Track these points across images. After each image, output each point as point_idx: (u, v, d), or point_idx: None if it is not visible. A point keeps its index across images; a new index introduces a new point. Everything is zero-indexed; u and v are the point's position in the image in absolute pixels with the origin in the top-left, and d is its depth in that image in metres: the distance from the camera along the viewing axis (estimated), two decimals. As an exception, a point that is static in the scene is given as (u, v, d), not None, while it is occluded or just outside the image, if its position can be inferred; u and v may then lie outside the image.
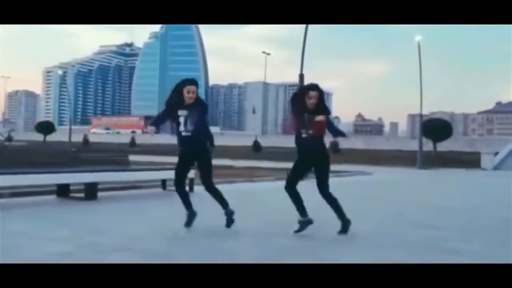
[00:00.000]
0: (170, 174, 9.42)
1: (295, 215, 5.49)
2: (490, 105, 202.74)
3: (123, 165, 8.93)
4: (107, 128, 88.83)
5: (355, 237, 5.36)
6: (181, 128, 5.40)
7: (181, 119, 5.39)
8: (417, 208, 8.56)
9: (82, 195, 7.90)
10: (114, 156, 9.03)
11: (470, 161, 27.68)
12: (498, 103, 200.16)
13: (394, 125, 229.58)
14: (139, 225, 5.81)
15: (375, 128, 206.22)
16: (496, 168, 26.13)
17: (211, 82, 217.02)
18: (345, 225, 5.43)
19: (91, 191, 7.85)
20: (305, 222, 5.40)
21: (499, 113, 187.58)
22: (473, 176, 20.33)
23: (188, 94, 5.36)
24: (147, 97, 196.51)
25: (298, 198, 5.47)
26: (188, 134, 5.39)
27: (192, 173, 9.38)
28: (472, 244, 5.23)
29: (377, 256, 4.46)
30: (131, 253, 4.35)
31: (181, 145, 5.51)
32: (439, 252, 4.76)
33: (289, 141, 23.41)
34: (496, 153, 28.09)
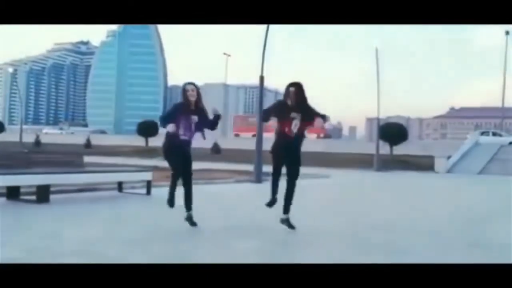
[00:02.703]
0: (126, 177, 9.27)
1: (255, 218, 5.44)
2: (444, 111, 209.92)
3: (77, 167, 8.62)
4: (61, 128, 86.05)
5: (311, 238, 5.37)
6: (181, 132, 5.61)
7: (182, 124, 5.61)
8: (371, 210, 8.69)
9: (33, 197, 7.57)
10: (68, 158, 8.69)
11: (424, 164, 28.47)
12: (452, 109, 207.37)
13: (352, 129, 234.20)
14: (93, 229, 5.61)
15: (334, 132, 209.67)
16: (449, 171, 27.00)
17: (170, 82, 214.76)
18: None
19: (43, 194, 7.52)
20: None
21: (452, 118, 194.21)
22: (426, 178, 20.91)
23: (188, 92, 5.68)
24: (103, 97, 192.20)
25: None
26: (186, 138, 5.68)
27: (149, 176, 9.20)
28: (418, 245, 5.32)
29: (329, 256, 4.46)
30: (84, 257, 4.16)
31: (176, 147, 5.66)
32: (392, 253, 4.81)
33: (250, 143, 23.12)
34: (449, 157, 29.03)
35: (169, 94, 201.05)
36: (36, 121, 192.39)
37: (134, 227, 5.77)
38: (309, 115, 5.68)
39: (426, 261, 4.22)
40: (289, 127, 5.61)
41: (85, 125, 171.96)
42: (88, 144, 44.00)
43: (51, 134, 61.94)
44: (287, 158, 5.73)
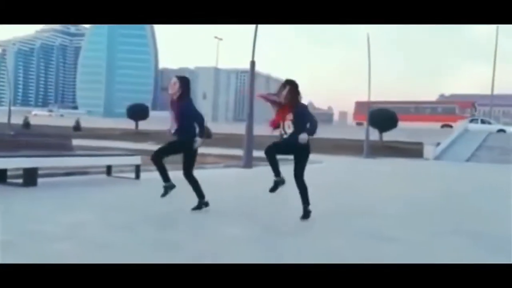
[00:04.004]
0: (115, 161, 9.22)
1: (250, 203, 5.45)
2: (434, 97, 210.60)
3: (66, 150, 8.55)
4: (50, 110, 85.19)
5: (299, 225, 5.40)
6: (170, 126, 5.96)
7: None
8: (362, 196, 8.75)
9: (20, 181, 7.51)
10: (56, 140, 8.61)
11: (413, 150, 28.65)
12: (441, 96, 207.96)
13: (343, 114, 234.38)
14: (81, 213, 5.58)
15: (325, 117, 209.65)
16: (437, 158, 27.20)
17: (161, 65, 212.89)
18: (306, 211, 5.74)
19: (30, 177, 7.46)
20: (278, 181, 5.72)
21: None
22: (415, 165, 21.07)
23: (170, 87, 5.90)
24: (93, 79, 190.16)
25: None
26: (173, 132, 5.94)
27: (138, 160, 9.17)
28: (407, 232, 5.37)
29: (318, 244, 4.49)
30: (72, 242, 4.15)
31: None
32: (379, 239, 4.85)
33: (240, 128, 23.28)
34: (438, 144, 29.24)
35: (160, 77, 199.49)
36: (25, 102, 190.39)
37: (120, 212, 5.76)
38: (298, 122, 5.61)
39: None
40: (283, 128, 5.66)
41: (75, 107, 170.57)
42: (77, 127, 43.67)
43: (40, 116, 61.28)
44: (292, 154, 5.76)
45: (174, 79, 5.94)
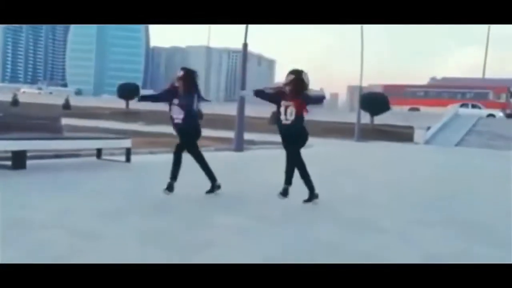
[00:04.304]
0: (105, 144, 9.14)
1: (241, 189, 5.42)
2: (425, 80, 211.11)
3: (55, 132, 8.44)
4: (39, 88, 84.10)
5: (289, 212, 5.41)
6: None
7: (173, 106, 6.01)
8: (353, 183, 8.79)
9: (9, 163, 7.43)
10: (46, 122, 8.49)
11: (404, 134, 28.79)
12: (433, 78, 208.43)
13: (334, 96, 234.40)
14: (70, 199, 5.54)
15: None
16: (427, 142, 27.36)
17: (152, 43, 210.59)
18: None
19: (19, 160, 7.39)
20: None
21: (433, 88, 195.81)
22: (405, 150, 21.19)
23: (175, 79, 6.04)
24: (83, 57, 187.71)
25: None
26: (179, 121, 6.01)
27: (129, 143, 9.10)
28: (397, 222, 5.40)
29: (308, 232, 4.50)
30: (59, 231, 4.12)
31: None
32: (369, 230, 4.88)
33: (231, 109, 23.17)
34: (428, 128, 29.38)
35: (151, 56, 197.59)
36: (14, 79, 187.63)
37: (110, 199, 5.72)
38: (306, 102, 5.92)
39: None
40: (285, 114, 5.85)
41: (64, 85, 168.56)
42: (66, 105, 43.18)
43: (29, 94, 60.54)
44: (286, 141, 6.06)
45: (181, 72, 6.08)
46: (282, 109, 5.85)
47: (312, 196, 5.98)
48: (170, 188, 5.97)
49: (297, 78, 5.82)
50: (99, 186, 6.61)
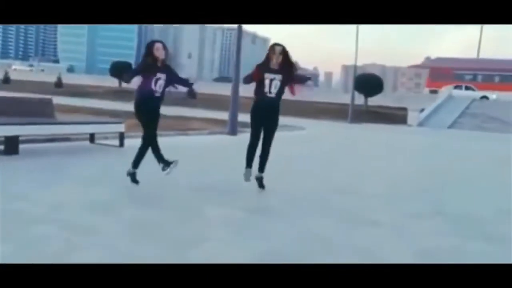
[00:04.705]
0: (98, 128, 9.08)
1: (235, 178, 5.41)
2: (419, 60, 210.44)
3: (48, 116, 8.36)
4: (31, 65, 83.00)
5: (283, 204, 5.43)
6: (154, 88, 5.72)
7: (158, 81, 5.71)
8: (345, 171, 8.81)
9: (1, 147, 7.38)
10: (38, 106, 8.39)
11: (398, 116, 28.89)
12: (427, 58, 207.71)
13: (328, 75, 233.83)
14: (63, 189, 5.50)
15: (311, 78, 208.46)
16: (420, 124, 27.46)
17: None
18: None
19: (11, 145, 7.34)
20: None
21: (427, 68, 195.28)
22: (399, 132, 21.26)
23: (158, 51, 5.67)
24: (74, 32, 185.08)
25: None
26: (158, 95, 5.75)
27: (122, 127, 9.05)
28: (390, 215, 5.44)
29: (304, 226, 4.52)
30: (54, 226, 4.10)
31: (150, 103, 5.76)
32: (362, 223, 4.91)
33: (225, 89, 23.03)
34: (422, 110, 29.45)
35: (144, 32, 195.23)
36: (4, 55, 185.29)
37: (104, 189, 5.68)
38: (291, 78, 5.79)
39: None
40: (269, 87, 5.69)
41: (56, 61, 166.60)
42: (59, 83, 42.78)
43: (20, 71, 59.80)
44: (266, 120, 5.85)
45: (159, 44, 5.80)
46: (266, 82, 5.68)
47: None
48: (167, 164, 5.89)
49: (285, 51, 5.69)
50: (92, 174, 6.55)
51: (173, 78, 5.92)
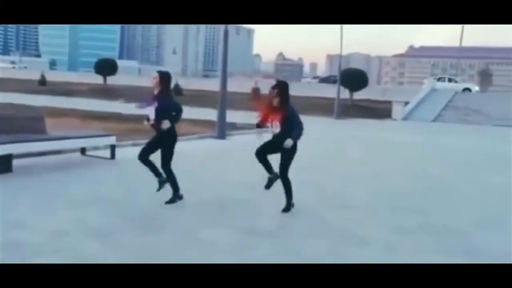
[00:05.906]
0: (90, 142, 9.18)
1: (226, 192, 5.52)
2: (403, 49, 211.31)
3: (39, 132, 8.44)
4: (12, 62, 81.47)
5: (274, 221, 5.62)
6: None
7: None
8: (332, 179, 9.00)
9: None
10: (29, 123, 8.46)
11: (383, 110, 29.18)
12: (411, 47, 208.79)
13: (313, 66, 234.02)
14: (60, 213, 5.60)
15: (296, 68, 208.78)
16: (405, 118, 27.83)
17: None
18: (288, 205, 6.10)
19: (5, 164, 7.42)
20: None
21: (411, 57, 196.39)
22: (384, 128, 21.54)
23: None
24: (57, 26, 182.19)
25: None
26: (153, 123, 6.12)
27: (113, 140, 9.16)
28: (379, 231, 5.66)
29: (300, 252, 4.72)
30: (59, 256, 4.21)
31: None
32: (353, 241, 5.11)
33: (212, 85, 22.80)
34: (406, 103, 29.78)
35: (126, 26, 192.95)
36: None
37: (100, 211, 5.75)
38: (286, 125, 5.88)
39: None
40: (271, 126, 5.96)
41: (38, 55, 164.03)
42: (42, 81, 42.33)
43: (2, 69, 58.80)
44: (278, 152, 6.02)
45: (155, 74, 6.10)
46: (269, 122, 5.97)
47: (288, 205, 6.12)
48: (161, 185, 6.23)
49: (284, 91, 5.89)
50: (87, 193, 6.60)
51: (166, 110, 6.05)
